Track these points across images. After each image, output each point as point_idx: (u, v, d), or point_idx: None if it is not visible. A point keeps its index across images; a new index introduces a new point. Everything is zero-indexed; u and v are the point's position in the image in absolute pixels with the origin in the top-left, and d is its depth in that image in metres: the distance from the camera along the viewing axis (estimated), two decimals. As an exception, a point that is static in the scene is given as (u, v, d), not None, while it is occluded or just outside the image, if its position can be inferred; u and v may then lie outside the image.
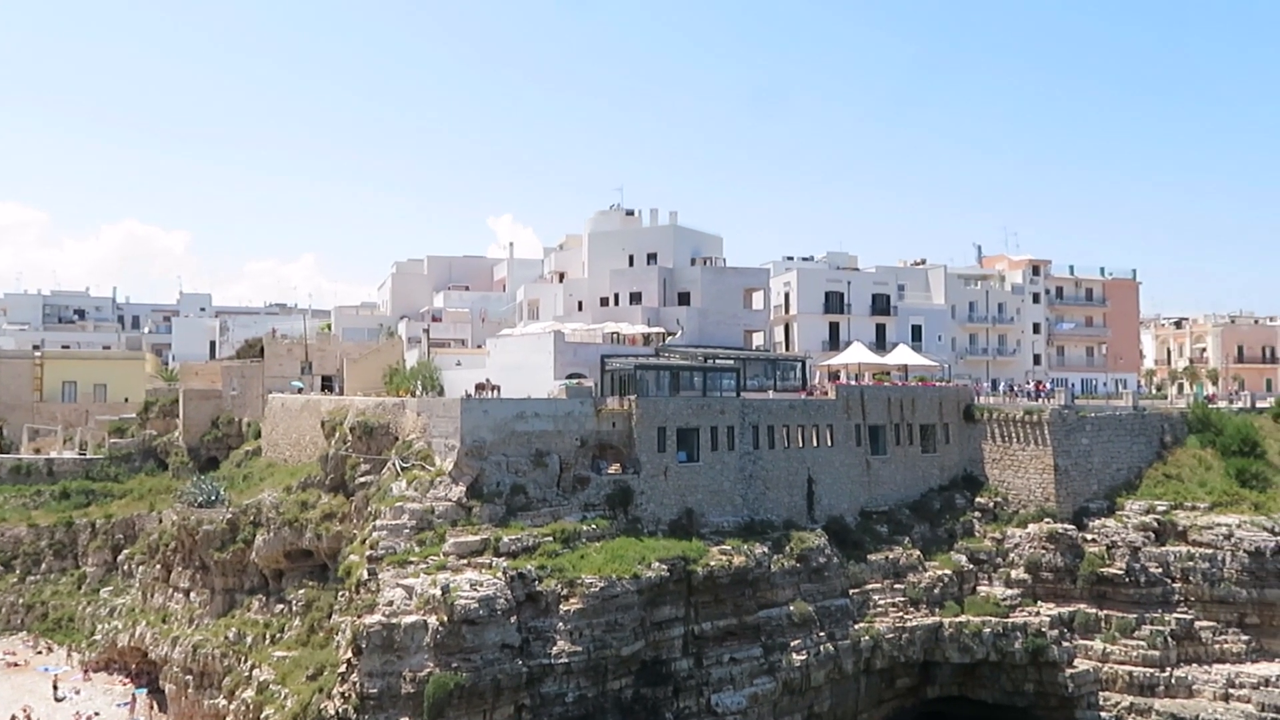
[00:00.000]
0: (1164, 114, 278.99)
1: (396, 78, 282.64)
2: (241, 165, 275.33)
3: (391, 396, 60.86)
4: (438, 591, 41.69)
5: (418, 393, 60.75)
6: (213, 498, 64.49)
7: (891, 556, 58.39)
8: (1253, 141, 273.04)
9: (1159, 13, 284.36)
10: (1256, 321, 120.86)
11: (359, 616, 42.85)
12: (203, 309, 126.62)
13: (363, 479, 54.31)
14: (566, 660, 42.79)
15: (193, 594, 64.03)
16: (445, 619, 41.02)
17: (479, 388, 56.10)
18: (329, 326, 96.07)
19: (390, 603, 42.41)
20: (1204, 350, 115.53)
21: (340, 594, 49.32)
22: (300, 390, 74.38)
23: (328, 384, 79.34)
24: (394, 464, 51.77)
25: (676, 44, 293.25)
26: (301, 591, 56.32)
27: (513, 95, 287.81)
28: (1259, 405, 74.76)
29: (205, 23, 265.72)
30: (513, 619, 42.41)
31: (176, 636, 60.72)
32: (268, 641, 55.11)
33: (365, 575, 45.65)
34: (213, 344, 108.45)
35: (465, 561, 44.49)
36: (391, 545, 46.11)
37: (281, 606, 57.13)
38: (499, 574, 43.56)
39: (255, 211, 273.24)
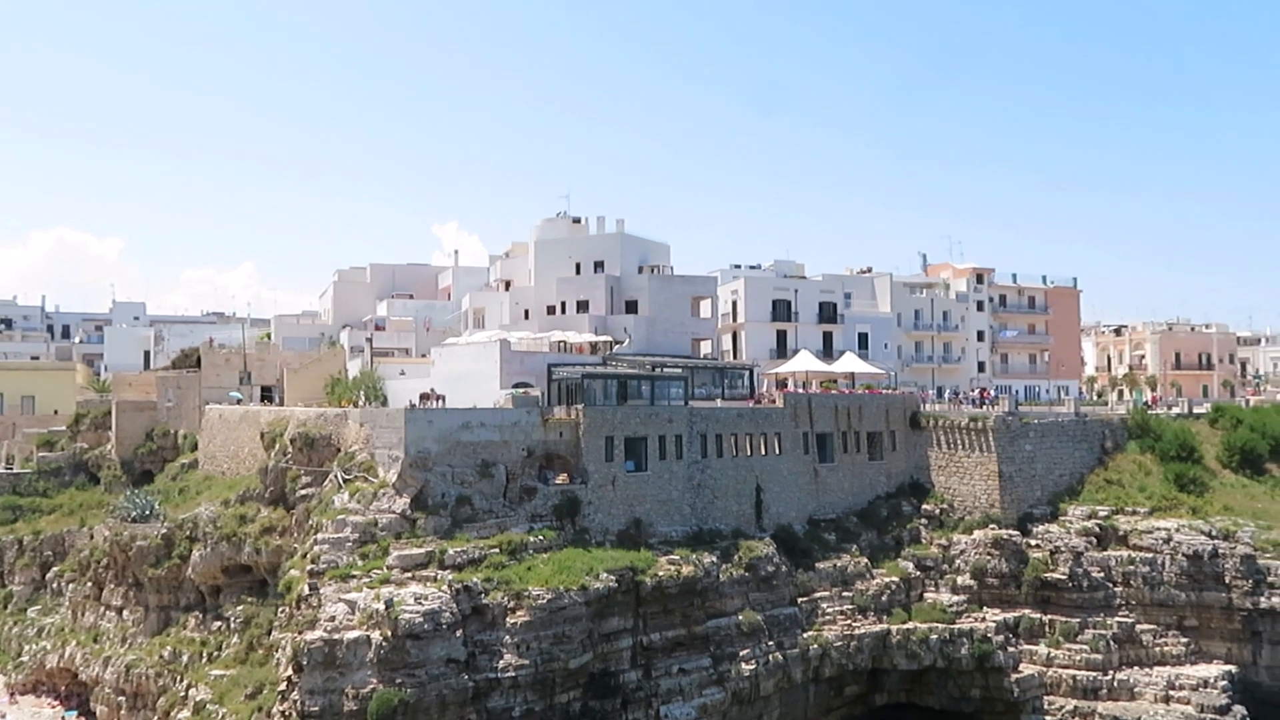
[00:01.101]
0: (1102, 123, 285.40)
1: (338, 81, 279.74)
2: (178, 170, 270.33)
3: (333, 407, 59.79)
4: (381, 606, 41.03)
5: (360, 403, 59.86)
6: (147, 512, 62.71)
7: (839, 564, 58.48)
8: (1190, 150, 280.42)
9: (1099, 23, 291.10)
10: (1193, 329, 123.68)
11: (300, 632, 42.00)
12: (137, 318, 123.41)
13: (304, 492, 53.31)
14: (514, 674, 42.24)
15: (125, 612, 62.17)
16: (389, 634, 40.34)
17: (423, 397, 55.29)
18: (269, 336, 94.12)
19: (332, 618, 41.59)
20: (1143, 357, 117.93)
21: (280, 610, 48.32)
22: (239, 401, 72.82)
23: (267, 394, 77.78)
24: (336, 476, 50.86)
25: (624, 50, 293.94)
26: (240, 608, 54.98)
27: (457, 100, 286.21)
28: (1195, 411, 76.35)
29: (139, 24, 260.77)
30: (458, 633, 41.82)
31: (109, 656, 58.90)
32: (204, 660, 53.76)
33: (306, 590, 44.63)
34: (147, 354, 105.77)
35: (409, 575, 43.83)
36: (333, 559, 45.22)
37: (219, 624, 55.74)
38: (444, 587, 42.95)
39: (192, 218, 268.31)
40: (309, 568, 45.34)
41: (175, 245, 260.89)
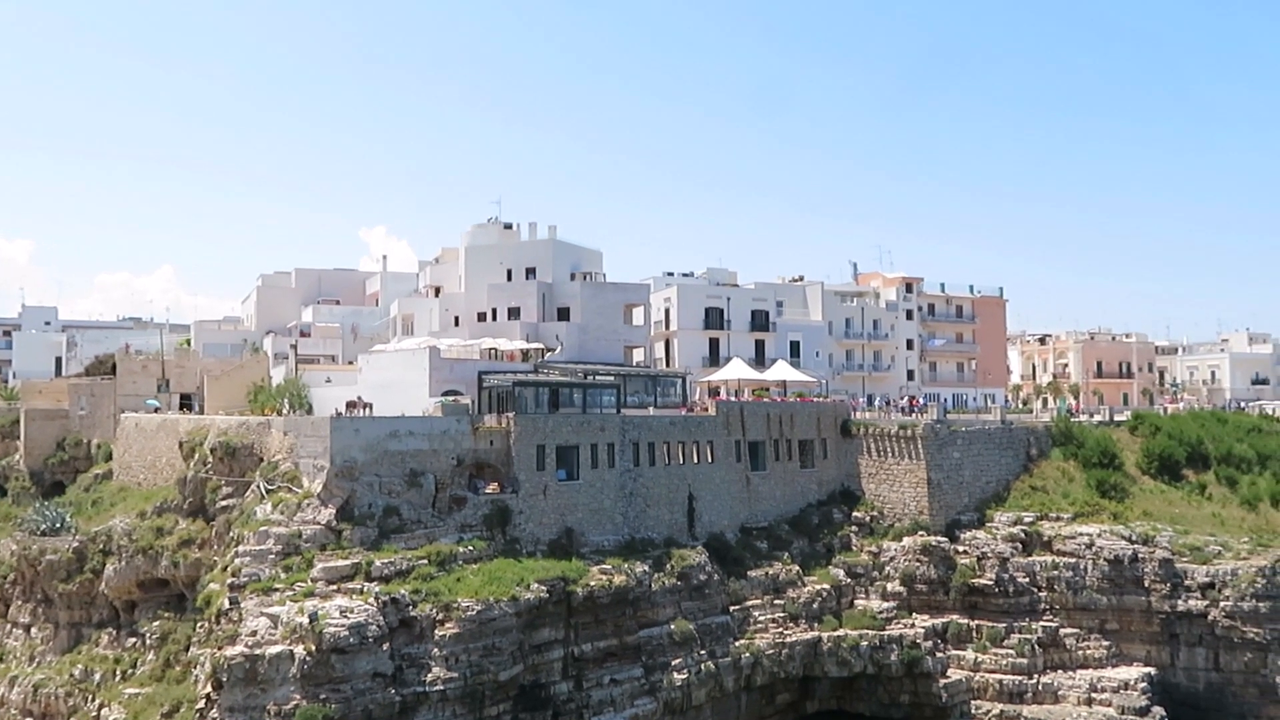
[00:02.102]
0: (1028, 135, 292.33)
1: (261, 80, 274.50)
2: (92, 170, 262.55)
3: (256, 415, 58.55)
4: (305, 619, 40.14)
5: (284, 411, 58.57)
6: (57, 525, 60.51)
7: (771, 572, 58.59)
8: (1111, 163, 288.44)
9: (1020, 36, 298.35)
10: (1114, 338, 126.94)
11: (219, 648, 41.00)
12: (48, 323, 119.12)
13: (224, 503, 52.01)
14: (442, 687, 41.65)
15: (34, 629, 59.77)
16: (313, 648, 39.50)
17: (350, 406, 54.27)
18: (188, 342, 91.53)
19: (254, 633, 40.67)
20: (1066, 365, 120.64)
21: (199, 625, 47.03)
22: (156, 409, 70.78)
23: (187, 403, 75.71)
24: (258, 486, 49.72)
25: (556, 56, 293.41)
26: (156, 624, 53.22)
27: (386, 103, 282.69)
28: (1116, 418, 78.09)
29: (52, 18, 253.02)
30: (385, 646, 41.12)
31: (15, 676, 56.60)
32: (118, 678, 51.98)
33: (226, 604, 43.53)
34: (59, 360, 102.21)
35: (335, 587, 43.04)
36: (255, 572, 44.16)
37: (134, 640, 53.92)
38: (371, 599, 42.21)
39: (107, 221, 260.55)
40: (229, 581, 44.25)
41: (89, 248, 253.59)
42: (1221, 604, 56.68)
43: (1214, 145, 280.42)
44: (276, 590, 42.62)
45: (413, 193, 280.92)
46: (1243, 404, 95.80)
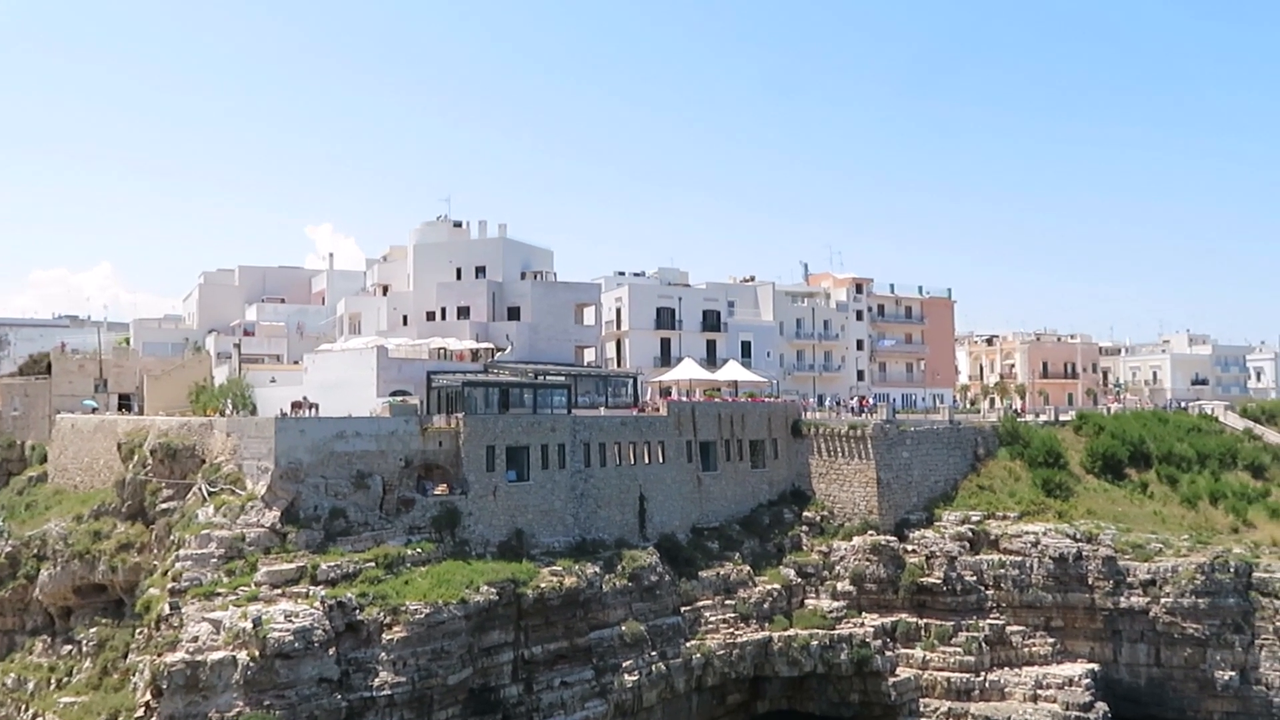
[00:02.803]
0: (976, 137, 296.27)
1: (204, 74, 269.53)
2: (26, 164, 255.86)
3: (198, 416, 57.46)
4: (248, 624, 39.56)
5: (227, 412, 57.58)
6: (-10, 529, 58.82)
7: (722, 573, 58.62)
8: (1057, 163, 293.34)
9: (969, 36, 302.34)
10: (1059, 339, 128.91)
11: (159, 655, 40.17)
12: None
13: (165, 505, 50.92)
14: (389, 692, 41.26)
15: (-35, 637, 58.04)
16: (257, 654, 38.92)
17: (295, 406, 53.38)
18: (127, 340, 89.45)
19: (195, 638, 39.92)
20: (1013, 366, 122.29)
21: (138, 631, 46.07)
22: (94, 410, 69.18)
23: (126, 403, 74.08)
24: (200, 489, 48.84)
25: (506, 54, 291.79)
26: (93, 630, 52.08)
27: (332, 99, 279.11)
28: (1062, 418, 79.35)
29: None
30: (331, 651, 40.62)
31: (-55, 685, 54.77)
32: (53, 686, 50.80)
33: (167, 610, 42.68)
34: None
35: (279, 591, 42.47)
36: (197, 576, 43.38)
37: (70, 648, 52.67)
38: (316, 603, 41.73)
39: (42, 215, 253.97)
40: (170, 586, 43.47)
41: (23, 244, 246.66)
42: (1162, 600, 57.75)
43: (1157, 149, 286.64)
44: (219, 595, 41.98)
45: (360, 190, 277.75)
46: (1183, 404, 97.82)
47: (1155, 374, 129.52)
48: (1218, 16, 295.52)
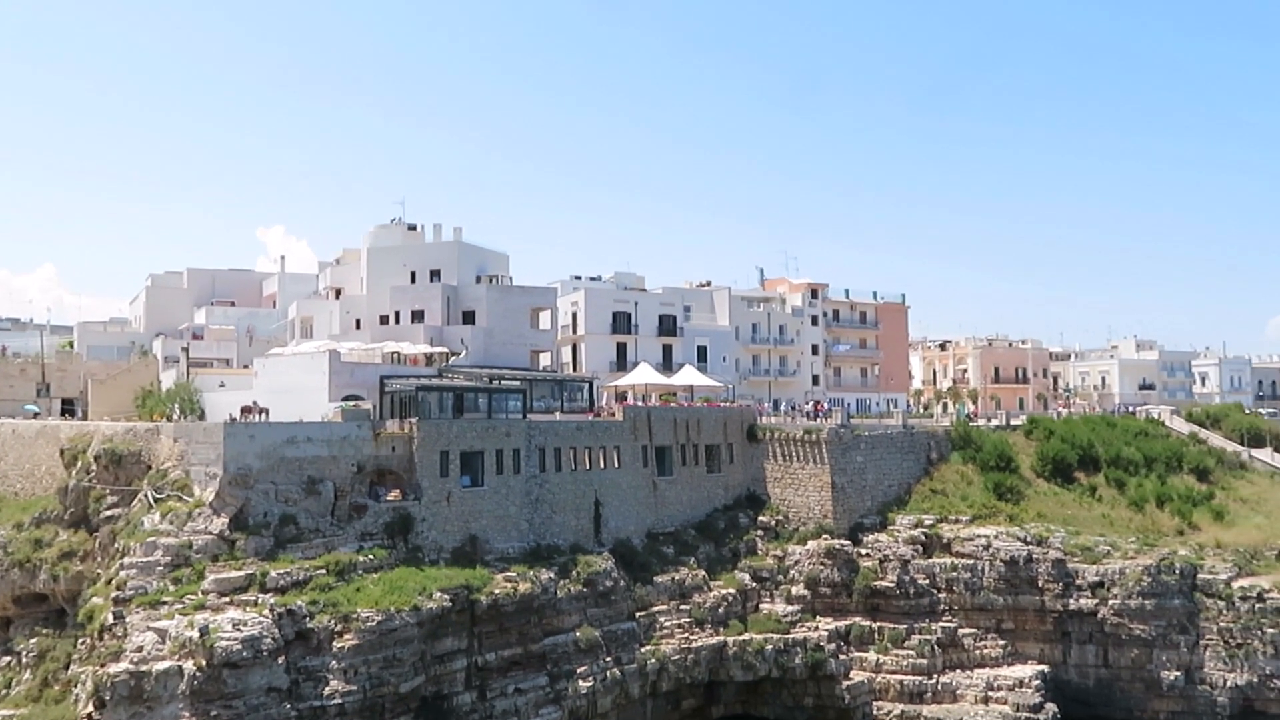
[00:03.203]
0: (928, 142, 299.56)
1: (152, 73, 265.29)
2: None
3: (144, 421, 56.33)
4: (195, 633, 38.94)
5: (175, 417, 56.63)
6: (-73, 537, 57.05)
7: (677, 577, 58.56)
8: (1008, 170, 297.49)
9: (925, 39, 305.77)
10: (1011, 345, 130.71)
11: (102, 665, 39.38)
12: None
13: (109, 513, 49.85)
14: (340, 700, 40.78)
15: (-99, 648, 56.35)
16: (204, 663, 38.32)
17: (245, 411, 52.58)
18: (71, 344, 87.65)
19: (139, 648, 39.26)
20: (965, 371, 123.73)
21: (80, 641, 44.93)
22: (36, 415, 67.72)
23: (69, 408, 72.60)
24: (146, 495, 47.90)
25: (462, 56, 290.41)
26: (34, 641, 50.73)
27: (284, 101, 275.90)
28: (1013, 423, 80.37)
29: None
30: (280, 659, 40.10)
31: (-122, 698, 53.18)
32: (-9, 699, 49.17)
33: (111, 619, 41.75)
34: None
35: (227, 599, 41.81)
36: (142, 585, 42.56)
37: (9, 659, 51.34)
38: (265, 611, 41.16)
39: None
40: (114, 595, 42.58)
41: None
42: (1110, 602, 58.59)
43: (1107, 156, 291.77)
44: (165, 603, 41.33)
45: (313, 192, 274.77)
46: (1130, 408, 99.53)
47: (1104, 379, 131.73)
48: (1160, 22, 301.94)
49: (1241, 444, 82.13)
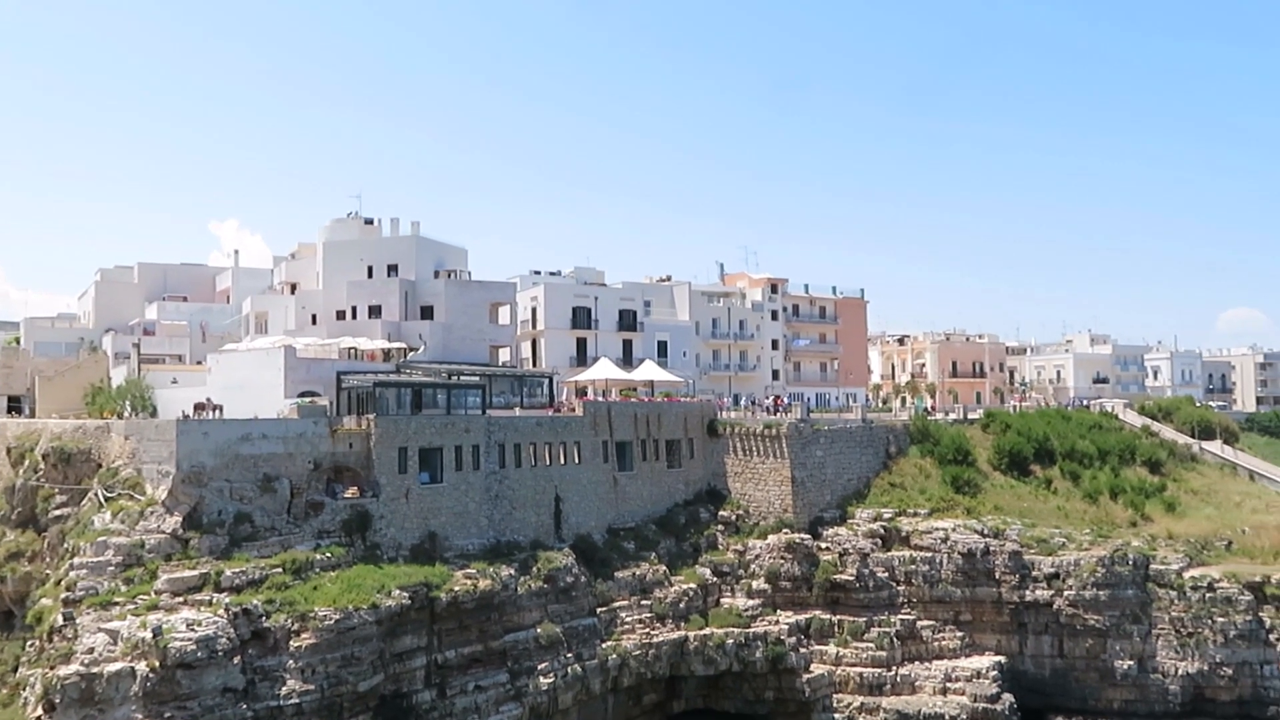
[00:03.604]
0: (888, 138, 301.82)
1: (101, 64, 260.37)
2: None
3: (94, 419, 55.45)
4: (148, 634, 38.55)
5: (126, 414, 55.66)
6: None
7: (638, 573, 58.50)
8: (965, 165, 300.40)
9: (882, 35, 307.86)
10: (968, 339, 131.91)
11: (52, 667, 38.98)
12: None
13: (58, 512, 49.14)
14: (297, 700, 40.51)
15: None
16: (157, 664, 37.93)
17: (198, 408, 51.87)
18: (17, 340, 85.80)
19: (90, 650, 38.78)
20: (923, 365, 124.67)
21: (29, 644, 44.15)
22: (-18, 413, 66.09)
23: (16, 405, 71.06)
24: (96, 494, 47.30)
25: (419, 50, 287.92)
26: (-20, 643, 49.46)
27: (240, 90, 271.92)
28: (970, 416, 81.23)
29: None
30: (236, 659, 39.82)
31: None
32: (-65, 704, 48.05)
33: (60, 620, 41.18)
34: None
35: (181, 599, 41.46)
36: (92, 585, 42.04)
37: (-45, 662, 49.94)
38: (220, 611, 40.89)
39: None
40: (64, 595, 42.03)
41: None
42: (1065, 593, 59.31)
43: (1061, 153, 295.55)
44: (116, 604, 40.92)
45: (267, 185, 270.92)
46: (1085, 402, 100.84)
47: (1059, 373, 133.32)
48: (1113, 21, 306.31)
49: (1192, 436, 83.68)
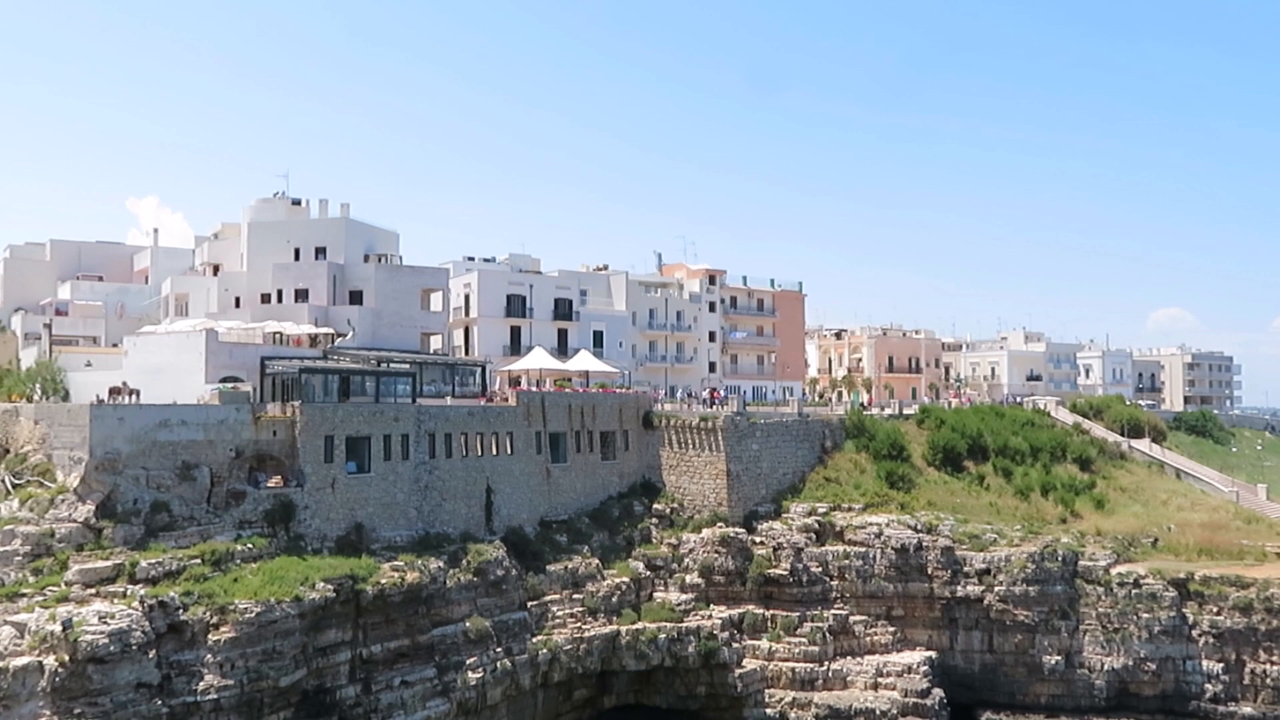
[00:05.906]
0: (827, 133, 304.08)
1: (10, 32, 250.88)
2: None
3: (1, 402, 52.95)
4: (57, 627, 37.19)
5: (36, 397, 53.57)
6: None
7: (570, 566, 57.65)
8: (903, 161, 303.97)
9: (830, 30, 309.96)
10: (905, 334, 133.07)
11: None
12: None
13: (-39, 500, 46.52)
14: (215, 696, 39.32)
15: None
16: (66, 658, 36.66)
17: (114, 392, 49.83)
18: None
19: None
20: (860, 360, 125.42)
21: (-73, 638, 41.66)
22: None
23: (-80, 387, 67.48)
24: (4, 481, 45.61)
25: (348, 30, 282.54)
26: (-126, 636, 46.91)
27: (163, 64, 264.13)
28: (906, 412, 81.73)
29: None
30: (151, 654, 38.50)
31: None
32: None
33: (-38, 614, 39.00)
34: None
35: (93, 591, 40.06)
36: (-3, 576, 40.16)
37: None
38: (135, 603, 39.49)
39: None
40: (-35, 588, 39.99)
41: None
42: (996, 589, 59.87)
43: (999, 150, 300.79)
44: (23, 596, 39.54)
45: (190, 162, 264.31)
46: (1018, 398, 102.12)
47: (993, 369, 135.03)
48: (1060, 20, 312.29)
49: (1122, 434, 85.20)
